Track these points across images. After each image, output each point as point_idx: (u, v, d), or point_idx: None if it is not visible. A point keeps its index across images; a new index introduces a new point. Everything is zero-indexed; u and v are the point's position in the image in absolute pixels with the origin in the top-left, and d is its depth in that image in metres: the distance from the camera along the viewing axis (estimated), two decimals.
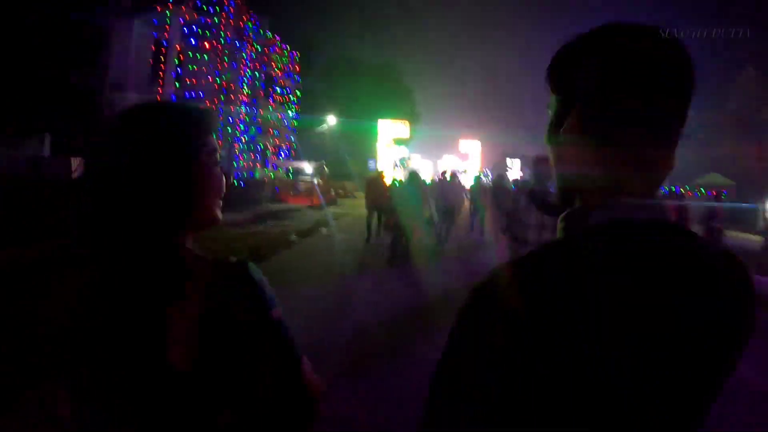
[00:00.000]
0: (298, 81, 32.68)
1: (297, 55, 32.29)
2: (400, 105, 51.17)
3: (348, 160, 41.03)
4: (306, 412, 0.99)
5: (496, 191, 13.34)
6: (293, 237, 13.66)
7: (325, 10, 46.05)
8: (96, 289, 0.93)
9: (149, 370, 0.90)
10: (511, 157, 79.79)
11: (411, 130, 50.41)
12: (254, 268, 0.99)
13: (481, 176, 20.75)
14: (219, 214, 1.05)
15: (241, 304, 0.94)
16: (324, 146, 36.54)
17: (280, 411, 0.96)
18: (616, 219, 0.76)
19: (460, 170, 55.86)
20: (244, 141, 25.14)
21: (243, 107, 24.96)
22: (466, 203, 17.19)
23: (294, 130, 32.52)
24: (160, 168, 0.93)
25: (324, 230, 15.93)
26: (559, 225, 0.86)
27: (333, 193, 30.26)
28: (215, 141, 1.06)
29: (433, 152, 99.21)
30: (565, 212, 0.86)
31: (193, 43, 21.33)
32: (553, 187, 1.18)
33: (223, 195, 1.06)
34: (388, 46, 52.85)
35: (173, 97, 20.04)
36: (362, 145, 43.58)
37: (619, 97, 0.75)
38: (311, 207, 24.47)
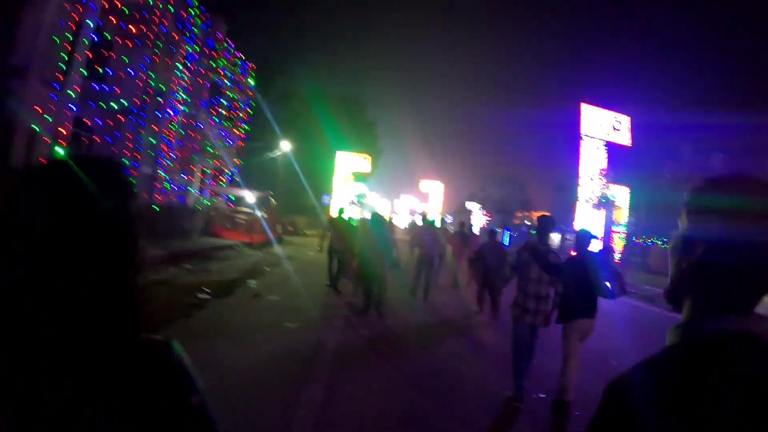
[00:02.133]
0: (249, 97, 28.47)
1: (252, 69, 28.20)
2: (362, 138, 47.56)
3: (301, 193, 36.96)
4: None
5: (462, 239, 13.59)
6: (203, 295, 9.38)
7: (292, 30, 42.18)
8: None
9: None
10: (471, 201, 77.58)
11: (372, 165, 46.99)
12: (177, 348, 0.92)
13: (444, 220, 18.66)
14: (134, 278, 0.91)
15: (159, 389, 0.86)
16: (274, 175, 32.29)
17: None
18: (731, 329, 0.87)
19: (418, 212, 52.98)
20: (173, 158, 20.68)
21: (176, 116, 20.57)
22: (450, 251, 15.10)
23: (239, 152, 28.18)
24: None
25: (252, 284, 11.62)
26: (675, 331, 0.95)
27: (280, 230, 25.95)
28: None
29: (391, 191, 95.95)
30: (683, 321, 0.96)
31: (115, 23, 16.96)
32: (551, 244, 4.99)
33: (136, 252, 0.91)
34: (353, 75, 49.45)
35: (77, 88, 15.56)
36: (318, 177, 39.57)
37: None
38: (250, 245, 20.11)
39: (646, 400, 0.82)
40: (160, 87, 18.90)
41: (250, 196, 22.46)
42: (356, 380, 6.00)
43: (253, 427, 4.42)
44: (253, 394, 5.08)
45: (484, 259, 10.83)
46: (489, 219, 67.29)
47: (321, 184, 39.71)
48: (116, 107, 17.26)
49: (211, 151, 24.04)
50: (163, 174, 19.39)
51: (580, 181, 26.15)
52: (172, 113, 20.03)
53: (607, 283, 5.62)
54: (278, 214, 29.13)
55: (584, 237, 5.93)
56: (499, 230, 12.93)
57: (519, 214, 66.76)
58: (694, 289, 0.95)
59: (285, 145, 32.49)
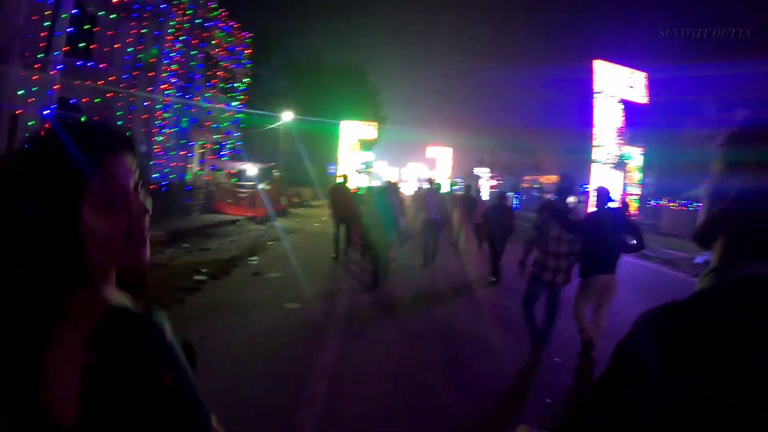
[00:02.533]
0: (247, 67, 27.56)
1: (247, 36, 27.21)
2: (366, 107, 46.51)
3: (305, 164, 36.27)
4: None
5: (467, 203, 12.82)
6: (199, 276, 8.85)
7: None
8: None
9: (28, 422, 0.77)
10: (480, 166, 76.43)
11: (378, 133, 46.06)
12: (159, 319, 0.85)
13: (452, 185, 17.99)
14: (139, 256, 0.88)
15: (132, 359, 0.80)
16: (277, 147, 31.55)
17: None
18: (765, 275, 0.86)
19: (425, 179, 51.57)
20: (168, 134, 20.01)
21: (169, 90, 19.84)
22: (456, 215, 14.50)
23: (239, 124, 27.42)
24: (29, 217, 0.79)
25: (254, 261, 11.09)
26: (707, 276, 0.93)
27: (285, 202, 25.39)
28: (120, 167, 0.86)
29: (398, 159, 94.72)
30: (714, 266, 0.94)
31: None
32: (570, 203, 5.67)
33: (139, 229, 0.87)
34: (355, 42, 48.04)
35: (61, 66, 14.85)
36: (322, 147, 38.82)
37: None
38: (253, 219, 19.58)
39: (676, 338, 0.84)
40: (149, 60, 18.10)
41: (251, 169, 21.81)
42: (364, 355, 5.78)
43: (254, 410, 4.08)
44: (247, 383, 4.57)
45: (489, 221, 10.81)
46: (500, 183, 66.22)
47: (326, 154, 38.96)
48: (103, 84, 16.55)
49: (210, 124, 23.29)
50: (158, 151, 18.71)
51: (596, 141, 24.98)
52: (163, 87, 19.26)
53: (629, 239, 5.84)
54: (283, 186, 28.56)
55: (603, 194, 6.04)
56: (510, 194, 12.43)
57: (528, 178, 65.62)
58: (726, 234, 0.95)
59: (287, 116, 31.65)
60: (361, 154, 48.69)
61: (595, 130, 24.94)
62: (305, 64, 41.38)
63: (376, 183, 45.87)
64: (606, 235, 5.61)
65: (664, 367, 0.82)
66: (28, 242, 0.79)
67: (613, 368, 0.90)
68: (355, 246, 11.67)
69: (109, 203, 0.83)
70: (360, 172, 42.89)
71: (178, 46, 19.70)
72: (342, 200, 11.93)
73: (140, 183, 0.89)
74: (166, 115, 19.85)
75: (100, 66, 16.60)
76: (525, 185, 65.00)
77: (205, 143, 24.16)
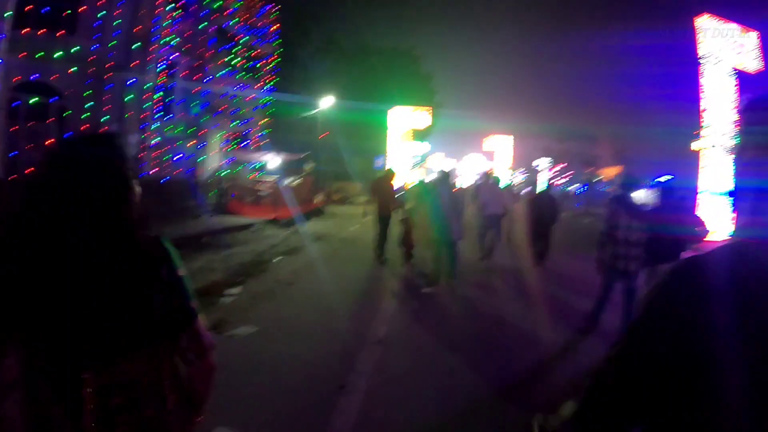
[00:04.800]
0: (273, 45, 23.79)
1: (273, 9, 23.45)
2: (418, 94, 41.99)
3: (351, 157, 32.43)
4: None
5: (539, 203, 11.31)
6: None
7: None
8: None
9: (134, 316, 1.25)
10: (542, 156, 70.94)
11: (432, 121, 41.70)
12: (167, 241, 1.38)
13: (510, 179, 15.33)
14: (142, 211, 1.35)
15: (158, 262, 1.33)
16: (315, 137, 27.83)
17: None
18: None
19: (483, 171, 46.35)
20: (171, 121, 16.49)
21: (170, 69, 16.31)
22: (518, 209, 14.03)
23: (266, 111, 23.75)
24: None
25: (231, 297, 7.08)
26: (741, 230, 1.09)
27: (320, 200, 21.58)
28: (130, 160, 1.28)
29: (454, 151, 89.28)
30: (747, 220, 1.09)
31: None
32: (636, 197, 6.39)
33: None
34: (404, 24, 43.50)
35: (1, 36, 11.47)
36: (369, 138, 34.74)
37: None
38: (276, 222, 15.83)
39: (720, 283, 0.97)
40: (146, 35, 14.56)
41: (273, 161, 17.99)
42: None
43: None
44: None
45: (535, 211, 10.92)
46: (566, 175, 60.99)
47: (374, 146, 34.96)
48: (91, 65, 13.16)
49: (225, 109, 19.62)
50: (157, 141, 15.18)
51: (705, 119, 19.51)
52: (162, 65, 15.73)
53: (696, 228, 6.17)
54: (320, 180, 24.75)
55: (668, 188, 6.49)
56: (569, 189, 11.42)
57: (589, 170, 60.15)
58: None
59: (326, 102, 27.88)
60: (415, 145, 44.49)
61: (704, 105, 19.46)
62: (349, 47, 37.37)
63: (432, 177, 42.03)
64: (670, 226, 5.89)
65: (702, 310, 0.96)
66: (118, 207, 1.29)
67: (648, 316, 1.04)
68: (403, 248, 10.37)
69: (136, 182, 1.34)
70: (414, 166, 38.80)
71: (176, 13, 16.01)
72: (385, 196, 10.93)
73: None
74: (168, 98, 16.35)
75: (87, 43, 13.14)
76: (584, 178, 59.83)
77: (224, 133, 20.53)
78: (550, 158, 68.46)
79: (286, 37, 25.26)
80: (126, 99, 14.26)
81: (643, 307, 1.05)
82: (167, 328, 1.30)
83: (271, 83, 23.92)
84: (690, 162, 23.15)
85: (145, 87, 14.81)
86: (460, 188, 12.70)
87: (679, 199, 6.82)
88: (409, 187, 11.91)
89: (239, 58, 21.10)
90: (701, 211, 7.94)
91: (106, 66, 13.68)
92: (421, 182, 11.03)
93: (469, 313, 7.09)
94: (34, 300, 1.16)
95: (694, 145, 21.25)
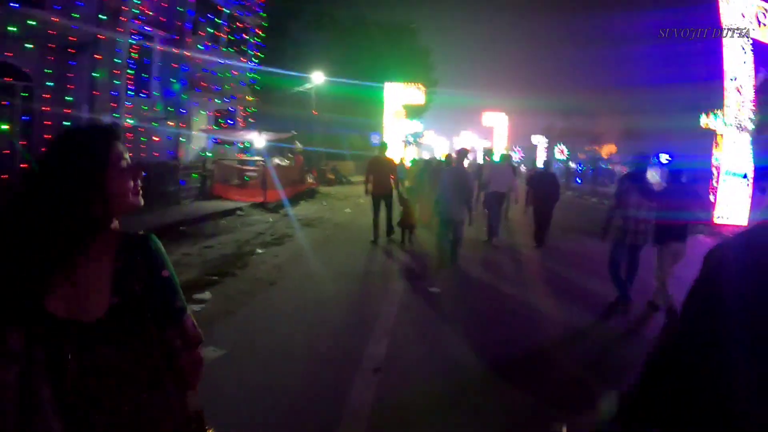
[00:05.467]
0: (261, 15, 22.26)
1: None
2: (414, 69, 40.34)
3: (345, 134, 31.16)
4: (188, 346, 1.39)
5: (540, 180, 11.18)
6: None
7: None
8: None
9: (81, 311, 1.25)
10: (537, 134, 69.38)
11: (427, 99, 40.18)
12: (154, 239, 1.35)
13: (509, 156, 14.63)
14: (135, 201, 1.41)
15: (141, 265, 1.30)
16: (308, 114, 26.51)
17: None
18: None
19: (479, 149, 44.70)
20: (146, 100, 15.19)
21: (145, 42, 14.98)
22: (521, 188, 13.48)
23: (254, 86, 22.33)
24: (72, 176, 1.31)
25: (197, 307, 5.94)
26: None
27: (312, 181, 20.38)
28: (118, 151, 1.38)
29: (448, 128, 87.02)
30: None
31: None
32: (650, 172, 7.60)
33: (134, 186, 1.41)
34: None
35: None
36: (365, 114, 33.31)
37: None
38: (264, 206, 14.68)
39: (743, 266, 1.08)
40: (115, 5, 13.18)
41: (258, 141, 16.70)
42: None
43: None
44: None
45: (535, 189, 11.02)
46: (565, 152, 59.75)
47: (368, 122, 33.59)
48: (52, 39, 11.88)
49: (206, 86, 18.22)
50: (131, 122, 13.90)
51: (728, 96, 17.90)
52: (135, 39, 14.40)
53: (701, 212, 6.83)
54: (312, 159, 23.51)
55: (677, 171, 6.71)
56: (572, 165, 12.84)
57: (592, 147, 58.87)
58: None
59: (319, 77, 26.47)
60: (408, 123, 43.02)
61: (727, 83, 17.90)
62: (343, 19, 35.57)
63: (426, 155, 41.25)
64: (677, 207, 6.06)
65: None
66: (82, 194, 1.29)
67: (692, 303, 1.20)
68: (405, 226, 10.20)
69: (120, 172, 1.37)
70: (408, 144, 37.47)
71: None
72: (382, 175, 10.47)
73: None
74: (143, 75, 15.05)
75: (48, 17, 11.77)
76: (582, 156, 58.64)
77: (208, 112, 19.17)
78: (550, 135, 67.06)
79: (274, 8, 23.74)
80: (95, 77, 12.95)
81: (688, 296, 1.20)
82: (142, 324, 1.30)
83: (259, 58, 22.46)
84: (699, 140, 21.97)
85: (115, 62, 13.49)
86: (468, 166, 11.97)
87: (687, 182, 7.14)
88: (408, 165, 11.00)
89: (223, 31, 19.64)
90: (709, 195, 7.91)
91: (70, 40, 12.36)
92: (421, 160, 10.34)
93: (476, 305, 6.59)
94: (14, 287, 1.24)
95: (704, 122, 20.12)
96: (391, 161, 11.14)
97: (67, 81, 12.43)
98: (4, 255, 1.25)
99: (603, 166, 51.62)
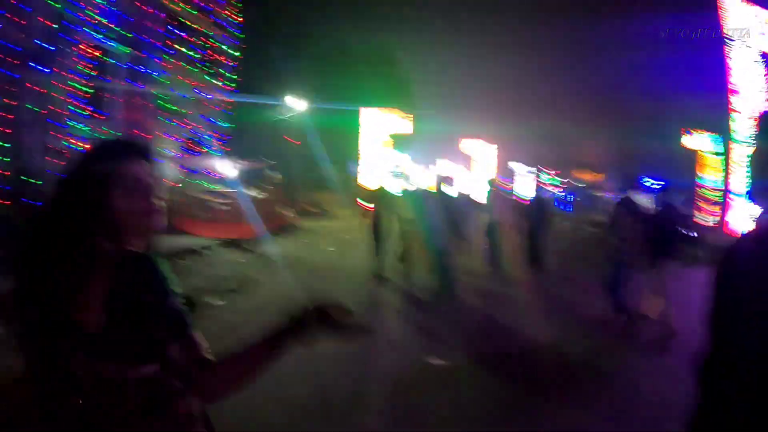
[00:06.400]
0: (237, 36, 20.90)
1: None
2: (395, 98, 39.21)
3: (326, 165, 29.67)
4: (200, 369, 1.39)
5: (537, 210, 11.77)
6: None
7: None
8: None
9: (63, 329, 1.21)
10: (522, 160, 68.91)
11: (415, 128, 39.05)
12: (155, 260, 1.36)
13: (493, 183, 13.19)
14: (154, 221, 1.39)
15: (142, 285, 1.30)
16: (285, 143, 25.06)
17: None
18: None
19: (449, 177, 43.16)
20: (106, 124, 13.61)
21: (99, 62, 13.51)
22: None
23: (229, 113, 20.86)
24: (76, 199, 1.30)
25: None
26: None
27: (292, 215, 18.71)
28: (136, 167, 1.35)
29: (426, 156, 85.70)
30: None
31: None
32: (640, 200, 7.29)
33: (151, 205, 1.37)
34: (378, 24, 40.77)
35: None
36: (344, 143, 31.88)
37: None
38: (234, 244, 13.04)
39: (753, 264, 1.23)
40: (69, 18, 11.69)
41: (227, 169, 15.10)
42: None
43: None
44: None
45: (529, 216, 11.27)
46: (553, 179, 59.43)
47: (348, 151, 32.23)
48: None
49: (178, 110, 16.66)
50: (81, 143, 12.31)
51: (736, 104, 16.97)
52: (92, 58, 12.89)
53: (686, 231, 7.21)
54: (292, 191, 21.90)
55: (665, 192, 7.36)
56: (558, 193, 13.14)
57: (577, 174, 58.57)
58: None
59: (298, 104, 25.08)
60: (393, 154, 41.70)
61: (736, 89, 16.90)
62: (324, 47, 34.36)
63: (407, 186, 39.78)
64: (666, 228, 6.63)
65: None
66: (82, 214, 1.27)
67: (718, 296, 1.33)
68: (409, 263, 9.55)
69: (129, 190, 1.32)
70: (394, 176, 36.14)
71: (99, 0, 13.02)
72: (385, 207, 10.07)
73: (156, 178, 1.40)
74: (103, 96, 13.50)
75: None
76: (566, 182, 58.36)
77: (173, 137, 17.53)
78: (534, 163, 66.69)
79: (252, 32, 22.49)
80: (43, 93, 11.38)
81: (712, 292, 1.34)
82: (141, 344, 1.29)
83: (234, 83, 21.04)
84: (684, 159, 21.57)
85: (68, 83, 11.94)
86: (461, 194, 12.31)
87: (676, 203, 7.42)
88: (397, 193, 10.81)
89: (194, 52, 18.21)
90: (697, 213, 8.29)
91: (15, 57, 10.81)
92: (423, 191, 10.48)
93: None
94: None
95: (685, 142, 20.04)
96: (387, 193, 10.62)
97: (13, 98, 10.86)
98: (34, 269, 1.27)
99: (588, 193, 51.26)
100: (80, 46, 12.10)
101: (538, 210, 11.50)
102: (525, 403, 4.65)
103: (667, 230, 6.62)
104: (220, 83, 19.87)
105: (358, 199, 10.87)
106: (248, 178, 16.47)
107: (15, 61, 10.82)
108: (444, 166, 70.36)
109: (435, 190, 9.36)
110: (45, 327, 1.22)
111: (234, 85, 21.02)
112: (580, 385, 5.19)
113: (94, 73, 13.36)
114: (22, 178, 10.66)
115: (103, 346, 1.22)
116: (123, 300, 1.24)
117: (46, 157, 11.34)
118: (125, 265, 1.27)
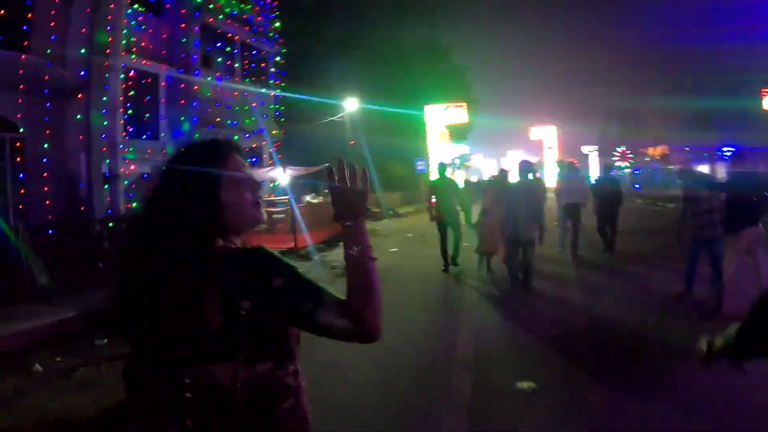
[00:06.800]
0: (278, 42, 20.36)
1: (273, 4, 20.02)
2: (452, 89, 37.96)
3: (386, 163, 28.89)
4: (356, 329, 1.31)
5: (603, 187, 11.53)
6: None
7: None
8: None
9: (189, 328, 1.20)
10: (591, 142, 66.43)
11: (470, 116, 37.73)
12: (265, 250, 1.27)
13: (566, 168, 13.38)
14: (255, 214, 1.36)
15: (252, 276, 1.22)
16: (340, 145, 24.39)
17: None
18: None
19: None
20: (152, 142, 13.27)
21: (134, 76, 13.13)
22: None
23: (279, 118, 20.35)
24: (183, 198, 1.28)
25: None
26: None
27: None
28: (235, 163, 1.34)
29: (493, 149, 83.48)
30: None
31: None
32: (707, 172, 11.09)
33: (253, 198, 1.35)
34: (431, 14, 39.60)
35: None
36: (405, 141, 31.00)
37: None
38: (292, 253, 12.33)
39: None
40: (103, 40, 11.31)
41: (282, 178, 14.41)
42: None
43: None
44: None
45: (598, 196, 11.15)
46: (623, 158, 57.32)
47: (410, 148, 31.32)
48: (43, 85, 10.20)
49: (226, 122, 16.23)
50: (133, 168, 11.96)
51: None
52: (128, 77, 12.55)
53: None
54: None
55: (741, 155, 6.67)
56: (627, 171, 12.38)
57: (642, 151, 56.56)
58: None
59: (352, 104, 24.42)
60: (453, 147, 40.63)
61: None
62: (372, 41, 33.47)
63: (474, 178, 38.61)
64: (746, 192, 6.09)
65: None
66: (194, 212, 1.25)
67: None
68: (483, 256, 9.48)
69: (236, 185, 1.31)
70: (455, 168, 34.99)
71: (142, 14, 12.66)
72: (446, 199, 9.99)
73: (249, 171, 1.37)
74: (145, 115, 13.15)
75: (34, 58, 10.02)
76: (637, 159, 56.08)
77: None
78: (603, 142, 64.33)
79: (295, 33, 21.96)
80: (87, 120, 11.06)
81: None
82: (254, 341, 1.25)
83: (282, 87, 20.52)
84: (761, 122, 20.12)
85: (106, 102, 11.58)
86: (537, 180, 10.95)
87: (750, 168, 6.84)
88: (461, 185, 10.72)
89: (237, 61, 17.76)
90: None
91: (61, 86, 10.54)
92: (493, 180, 10.90)
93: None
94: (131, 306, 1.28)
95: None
96: (454, 183, 10.97)
97: (60, 127, 10.60)
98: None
99: (656, 168, 49.22)
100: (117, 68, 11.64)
101: (610, 191, 11.23)
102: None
103: (745, 199, 6.14)
104: (267, 89, 19.34)
105: (429, 197, 10.62)
106: (304, 184, 15.84)
107: (56, 94, 10.57)
108: (514, 156, 68.25)
109: (518, 179, 8.63)
110: (159, 331, 1.22)
111: (279, 90, 20.50)
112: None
113: (132, 95, 13.04)
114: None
115: (219, 347, 1.19)
116: (239, 297, 1.20)
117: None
118: (236, 261, 1.25)
